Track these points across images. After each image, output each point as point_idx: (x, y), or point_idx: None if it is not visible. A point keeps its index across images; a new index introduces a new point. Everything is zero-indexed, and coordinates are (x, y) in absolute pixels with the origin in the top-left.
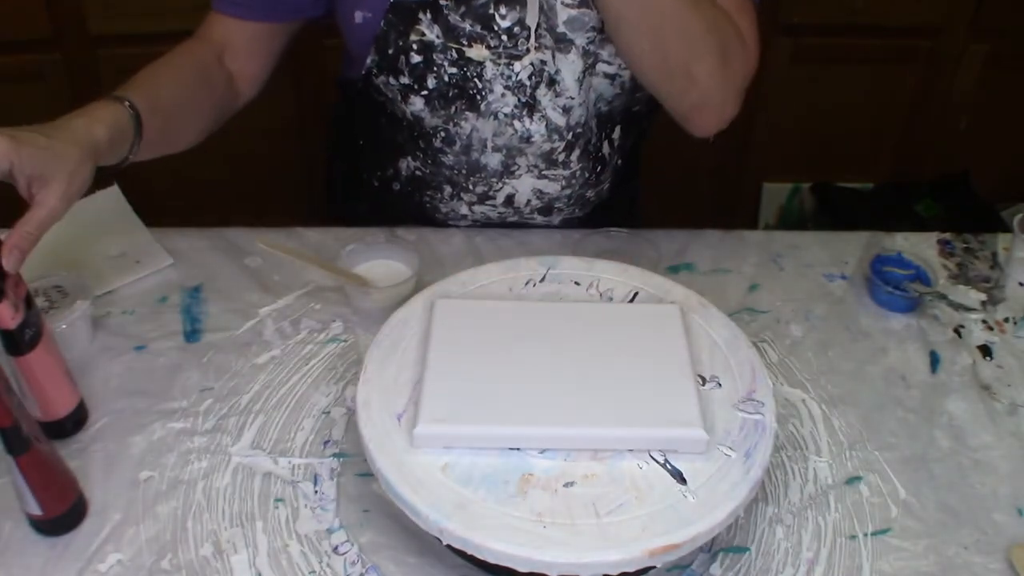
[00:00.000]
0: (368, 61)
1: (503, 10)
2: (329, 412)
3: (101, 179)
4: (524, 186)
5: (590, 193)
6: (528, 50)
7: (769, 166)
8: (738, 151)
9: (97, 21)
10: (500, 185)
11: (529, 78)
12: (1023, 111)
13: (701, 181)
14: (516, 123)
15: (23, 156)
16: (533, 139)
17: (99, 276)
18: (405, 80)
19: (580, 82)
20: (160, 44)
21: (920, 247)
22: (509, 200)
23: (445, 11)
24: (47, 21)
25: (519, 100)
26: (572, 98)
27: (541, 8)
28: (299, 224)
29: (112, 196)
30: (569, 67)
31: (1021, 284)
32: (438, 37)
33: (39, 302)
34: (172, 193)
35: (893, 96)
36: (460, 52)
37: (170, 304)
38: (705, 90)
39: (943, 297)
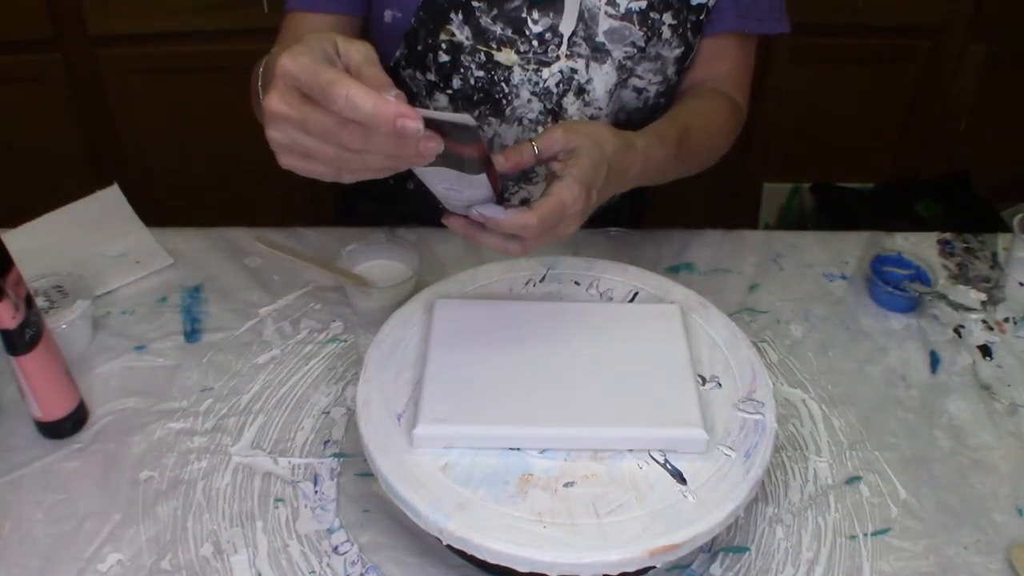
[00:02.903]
0: (397, 54)
1: (536, 15)
2: (329, 412)
3: (102, 179)
4: (540, 192)
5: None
6: (558, 57)
7: (769, 166)
8: (738, 151)
9: (97, 21)
10: (516, 189)
11: (557, 85)
12: (1023, 111)
13: (701, 181)
14: (540, 129)
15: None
16: None
17: (99, 276)
18: (432, 77)
19: (611, 94)
20: (160, 44)
21: (920, 247)
22: (524, 204)
23: (477, 13)
24: (47, 21)
25: (545, 107)
26: (600, 108)
27: (581, 16)
28: (300, 224)
29: (112, 196)
30: (602, 78)
31: (1021, 284)
32: (467, 39)
33: (39, 302)
34: (172, 193)
35: (893, 96)
36: (489, 55)
37: (170, 304)
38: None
39: (943, 297)
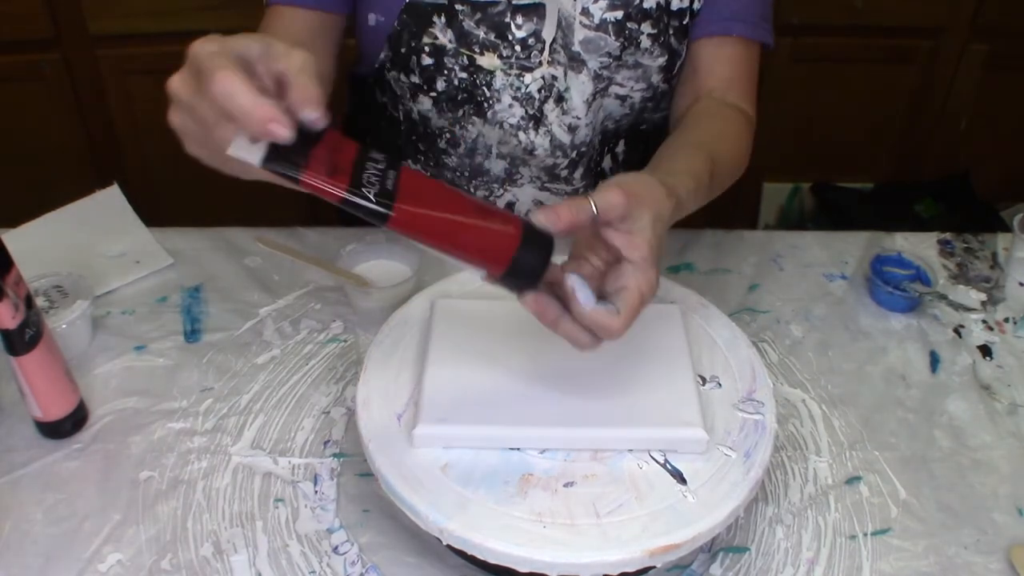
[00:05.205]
0: (382, 56)
1: (520, 19)
2: (329, 412)
3: (102, 179)
4: (525, 195)
5: None
6: (540, 63)
7: (769, 166)
8: None
9: (97, 21)
10: (501, 192)
11: (539, 91)
12: (1023, 111)
13: None
14: (521, 134)
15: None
16: (536, 152)
17: (99, 276)
18: (415, 79)
19: (589, 104)
20: (160, 44)
21: (920, 247)
22: (509, 208)
23: (460, 16)
24: (47, 21)
25: (526, 112)
26: (579, 118)
27: (559, 24)
28: (300, 224)
29: (112, 196)
30: (579, 87)
31: (1021, 284)
32: (451, 42)
33: (39, 302)
34: (172, 193)
35: (893, 96)
36: (471, 59)
37: (170, 304)
38: None
39: (943, 297)
